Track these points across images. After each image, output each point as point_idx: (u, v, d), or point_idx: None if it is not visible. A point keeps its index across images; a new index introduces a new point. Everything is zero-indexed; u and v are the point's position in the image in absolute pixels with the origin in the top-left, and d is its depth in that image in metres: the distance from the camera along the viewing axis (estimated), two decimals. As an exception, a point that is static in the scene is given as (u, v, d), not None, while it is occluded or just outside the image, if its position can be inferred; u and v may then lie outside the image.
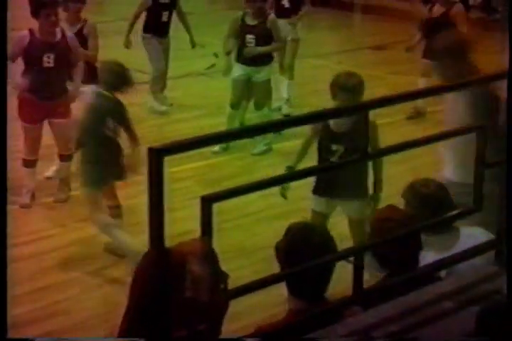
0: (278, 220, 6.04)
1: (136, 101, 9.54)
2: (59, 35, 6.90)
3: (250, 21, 8.27)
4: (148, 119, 9.11)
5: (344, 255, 3.08)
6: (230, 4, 15.91)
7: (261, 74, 8.33)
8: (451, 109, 4.94)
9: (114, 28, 12.99)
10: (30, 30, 6.81)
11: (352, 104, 2.49)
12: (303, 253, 3.05)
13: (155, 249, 2.33)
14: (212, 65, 10.78)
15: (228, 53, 8.46)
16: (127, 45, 9.60)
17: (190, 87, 10.56)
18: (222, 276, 2.46)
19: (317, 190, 5.42)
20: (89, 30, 7.69)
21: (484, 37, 13.51)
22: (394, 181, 5.56)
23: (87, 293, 5.62)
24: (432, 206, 3.87)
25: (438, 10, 9.32)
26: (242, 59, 8.31)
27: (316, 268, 3.04)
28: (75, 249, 6.24)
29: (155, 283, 2.35)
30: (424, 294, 3.15)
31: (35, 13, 6.77)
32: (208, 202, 2.51)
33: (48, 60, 6.80)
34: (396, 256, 3.45)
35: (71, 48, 6.96)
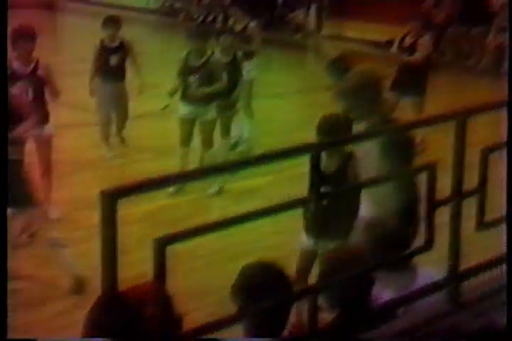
0: (232, 262, 6.01)
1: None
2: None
3: (194, 61, 8.37)
4: (104, 161, 9.09)
5: (299, 294, 3.09)
6: (186, 44, 16.04)
7: (206, 113, 8.40)
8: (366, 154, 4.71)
9: (70, 69, 13.05)
10: None
11: (300, 144, 2.53)
12: (258, 293, 3.05)
13: (107, 293, 2.31)
14: (167, 106, 10.79)
15: (171, 94, 8.63)
16: (91, 93, 9.50)
17: (146, 127, 10.56)
18: (177, 319, 2.45)
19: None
20: (44, 71, 7.60)
21: (433, 78, 13.78)
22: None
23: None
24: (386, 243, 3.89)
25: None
26: (187, 98, 8.41)
27: (271, 308, 3.03)
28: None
29: (107, 330, 2.33)
30: (380, 332, 3.16)
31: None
32: (160, 245, 2.50)
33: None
34: (346, 295, 3.46)
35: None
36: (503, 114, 3.56)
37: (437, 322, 3.27)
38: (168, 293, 2.47)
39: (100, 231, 2.36)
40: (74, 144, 9.51)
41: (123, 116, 9.63)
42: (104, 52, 9.39)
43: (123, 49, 9.54)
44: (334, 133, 5.05)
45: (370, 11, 15.44)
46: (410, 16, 10.89)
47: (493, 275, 3.65)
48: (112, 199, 2.28)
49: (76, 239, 6.52)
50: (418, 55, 9.66)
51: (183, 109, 8.49)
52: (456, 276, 3.47)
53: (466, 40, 14.58)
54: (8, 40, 6.62)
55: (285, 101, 11.74)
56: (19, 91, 7.07)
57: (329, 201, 4.55)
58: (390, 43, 15.37)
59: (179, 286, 5.46)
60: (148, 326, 2.32)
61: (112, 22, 9.50)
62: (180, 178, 2.72)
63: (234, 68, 9.00)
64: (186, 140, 8.48)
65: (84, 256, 6.06)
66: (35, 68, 7.55)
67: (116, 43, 9.41)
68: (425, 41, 9.79)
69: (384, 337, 3.12)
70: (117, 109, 9.56)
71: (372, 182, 3.19)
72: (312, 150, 2.75)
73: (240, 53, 9.29)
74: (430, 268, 4.03)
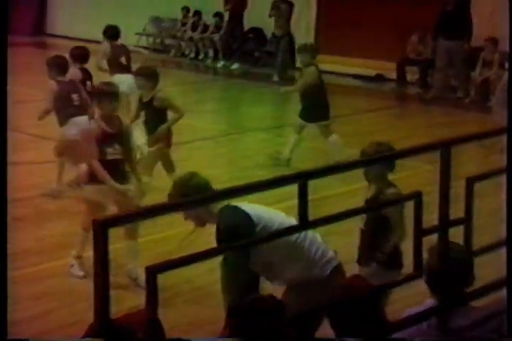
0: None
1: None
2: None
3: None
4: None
5: (292, 322, 3.11)
6: (176, 80, 16.19)
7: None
8: None
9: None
10: None
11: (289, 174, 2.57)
12: (254, 325, 3.08)
13: (99, 320, 2.34)
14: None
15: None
16: None
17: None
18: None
19: None
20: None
21: (422, 111, 13.93)
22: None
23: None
24: None
25: None
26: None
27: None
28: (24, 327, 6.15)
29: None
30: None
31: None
32: (152, 273, 2.54)
33: None
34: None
35: None
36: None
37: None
38: (159, 320, 2.50)
39: (93, 259, 2.39)
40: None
41: None
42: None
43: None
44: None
45: (358, 47, 15.58)
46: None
47: (484, 302, 3.68)
48: (103, 227, 2.32)
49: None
50: None
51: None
52: (447, 303, 3.50)
53: (453, 74, 14.72)
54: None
55: (273, 135, 11.81)
56: None
57: None
58: (379, 77, 15.66)
59: (178, 317, 5.54)
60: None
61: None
62: (169, 209, 2.75)
63: None
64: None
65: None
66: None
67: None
68: None
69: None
70: None
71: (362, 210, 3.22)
72: (300, 179, 2.80)
73: None
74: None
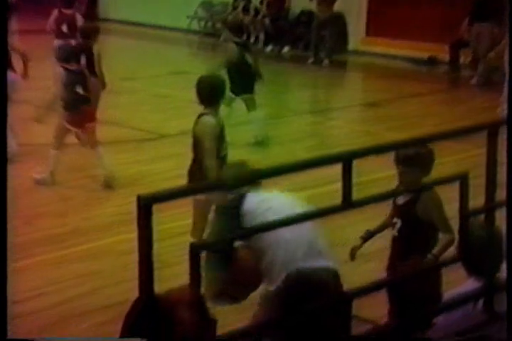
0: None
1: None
2: None
3: None
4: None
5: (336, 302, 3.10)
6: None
7: None
8: None
9: (112, 88, 13.23)
10: None
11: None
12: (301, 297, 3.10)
13: (144, 295, 2.36)
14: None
15: None
16: None
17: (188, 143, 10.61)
18: (211, 322, 2.49)
19: None
20: None
21: (474, 95, 13.76)
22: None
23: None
24: None
25: None
26: None
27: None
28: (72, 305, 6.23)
29: (144, 331, 2.38)
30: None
31: None
32: (195, 251, 2.56)
33: None
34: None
35: None
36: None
37: (471, 332, 3.26)
38: (203, 297, 2.51)
39: (138, 235, 2.41)
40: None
41: None
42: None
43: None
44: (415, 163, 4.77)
45: (411, 29, 15.42)
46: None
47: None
48: (147, 203, 2.34)
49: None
50: None
51: None
52: (491, 286, 3.47)
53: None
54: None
55: (325, 118, 11.77)
56: None
57: None
58: (431, 60, 15.49)
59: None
60: (182, 328, 2.37)
61: None
62: (215, 187, 2.76)
63: None
64: None
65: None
66: None
67: None
68: None
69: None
70: None
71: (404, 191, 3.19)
72: (344, 158, 2.79)
73: None
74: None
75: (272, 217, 3.77)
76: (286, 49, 17.09)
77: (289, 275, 4.00)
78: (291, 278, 3.99)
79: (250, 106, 10.24)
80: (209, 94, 6.36)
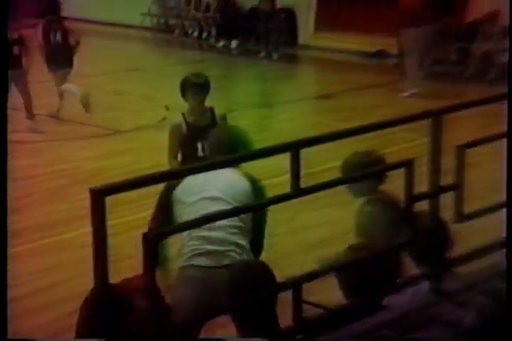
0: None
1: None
2: None
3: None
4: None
5: (283, 287, 3.13)
6: (180, 60, 16.16)
7: None
8: None
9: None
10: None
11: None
12: (245, 287, 3.13)
13: (99, 285, 2.37)
14: (164, 118, 10.86)
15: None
16: None
17: (144, 138, 10.62)
18: (165, 310, 2.50)
19: None
20: None
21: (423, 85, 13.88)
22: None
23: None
24: None
25: None
26: None
27: (258, 301, 3.10)
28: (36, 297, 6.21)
29: (100, 320, 2.39)
30: (366, 323, 3.21)
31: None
32: (150, 240, 2.56)
33: None
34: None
35: None
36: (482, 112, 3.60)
37: (421, 312, 3.31)
38: (157, 285, 2.53)
39: (92, 228, 2.42)
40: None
41: None
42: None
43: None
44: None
45: (360, 23, 15.51)
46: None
47: (474, 266, 3.71)
48: (99, 195, 2.34)
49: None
50: None
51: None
52: (439, 267, 3.52)
53: (453, 49, 14.70)
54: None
55: (276, 111, 11.81)
56: None
57: None
58: (380, 53, 15.61)
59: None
60: (137, 315, 2.38)
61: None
62: (166, 177, 2.77)
63: None
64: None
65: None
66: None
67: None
68: None
69: (367, 328, 3.17)
70: None
71: (351, 179, 3.23)
72: (291, 147, 2.81)
73: None
74: None
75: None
76: (234, 44, 17.05)
77: None
78: None
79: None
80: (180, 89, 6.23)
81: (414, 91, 12.82)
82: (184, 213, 4.42)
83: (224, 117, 6.31)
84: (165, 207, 4.54)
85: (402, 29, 12.99)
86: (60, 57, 10.97)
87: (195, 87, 6.09)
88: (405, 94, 12.90)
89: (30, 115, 10.68)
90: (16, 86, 10.33)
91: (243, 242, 4.49)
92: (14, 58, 10.24)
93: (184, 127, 6.11)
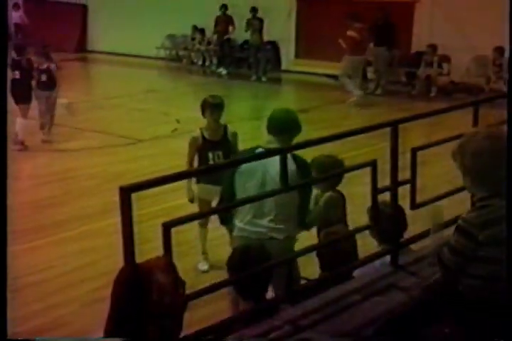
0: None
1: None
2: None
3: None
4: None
5: (276, 265, 3.12)
6: (188, 83, 16.12)
7: None
8: None
9: (99, 104, 13.14)
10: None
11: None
12: (244, 266, 3.10)
13: (128, 264, 2.34)
14: (175, 129, 10.83)
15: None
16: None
17: (160, 146, 10.56)
18: (181, 283, 2.47)
19: None
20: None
21: (380, 101, 13.87)
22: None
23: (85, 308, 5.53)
24: None
25: None
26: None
27: (255, 277, 3.07)
28: (74, 274, 6.15)
29: (129, 291, 2.35)
30: (339, 290, 3.20)
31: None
32: (167, 227, 2.54)
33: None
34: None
35: None
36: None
37: (381, 280, 3.30)
38: (174, 264, 2.49)
39: (121, 217, 2.39)
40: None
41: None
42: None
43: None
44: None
45: (331, 53, 15.51)
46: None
47: (422, 244, 3.70)
48: (127, 192, 2.32)
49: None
50: None
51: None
52: (396, 245, 3.51)
53: (403, 72, 14.79)
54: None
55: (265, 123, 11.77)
56: None
57: None
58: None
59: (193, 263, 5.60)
60: (158, 288, 2.35)
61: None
62: (179, 177, 2.75)
63: None
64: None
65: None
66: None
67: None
68: None
69: (340, 294, 3.15)
70: None
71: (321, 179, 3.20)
72: (282, 152, 2.80)
73: None
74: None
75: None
76: (224, 71, 16.94)
77: None
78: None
79: None
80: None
81: (352, 99, 13.22)
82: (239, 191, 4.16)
83: (235, 134, 6.13)
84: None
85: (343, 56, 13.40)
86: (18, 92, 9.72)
87: (212, 107, 5.90)
88: (347, 102, 13.37)
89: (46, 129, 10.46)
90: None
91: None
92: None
93: (200, 140, 6.01)
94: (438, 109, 3.85)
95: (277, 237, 4.09)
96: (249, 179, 4.10)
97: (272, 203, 4.05)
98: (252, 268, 3.08)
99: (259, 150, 4.11)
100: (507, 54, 11.99)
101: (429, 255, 3.06)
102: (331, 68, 15.65)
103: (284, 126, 4.30)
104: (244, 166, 4.03)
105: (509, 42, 3.40)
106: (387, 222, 3.46)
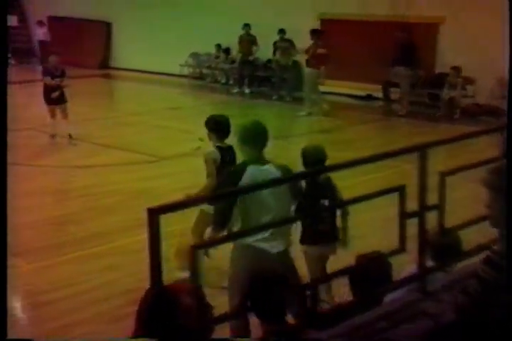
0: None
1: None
2: None
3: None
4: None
5: (300, 288, 3.08)
6: (210, 101, 16.17)
7: None
8: None
9: (123, 121, 13.21)
10: None
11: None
12: (264, 288, 3.07)
13: (154, 286, 2.32)
14: (198, 147, 10.81)
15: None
16: None
17: (182, 164, 10.57)
18: (208, 308, 2.45)
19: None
20: None
21: (403, 123, 13.80)
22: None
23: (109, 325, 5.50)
24: None
25: None
26: None
27: (274, 300, 3.04)
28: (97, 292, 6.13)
29: (155, 313, 2.33)
30: (366, 316, 3.14)
31: None
32: (195, 250, 2.51)
33: None
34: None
35: None
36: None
37: (410, 307, 3.24)
38: (201, 288, 2.47)
39: (149, 238, 2.37)
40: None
41: None
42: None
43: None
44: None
45: (354, 73, 15.51)
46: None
47: (452, 270, 3.64)
48: (155, 213, 2.30)
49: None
50: None
51: None
52: (424, 271, 3.45)
53: (426, 94, 14.72)
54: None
55: (289, 142, 11.75)
56: None
57: None
58: (369, 96, 15.58)
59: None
60: (185, 312, 2.33)
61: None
62: (202, 200, 2.73)
63: None
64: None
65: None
66: None
67: None
68: None
69: (367, 321, 3.09)
70: None
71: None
72: (311, 174, 2.78)
73: None
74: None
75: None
76: (247, 90, 17.02)
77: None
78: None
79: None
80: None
81: (309, 111, 14.07)
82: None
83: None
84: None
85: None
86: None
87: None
88: (302, 113, 14.14)
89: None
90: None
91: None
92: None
93: (218, 160, 6.07)
94: (466, 133, 3.80)
95: (278, 250, 4.32)
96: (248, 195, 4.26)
97: (271, 217, 4.25)
98: (272, 293, 3.04)
99: (251, 166, 4.42)
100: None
101: (457, 282, 3.01)
102: (354, 88, 15.68)
103: (261, 137, 4.74)
104: (244, 182, 4.28)
105: (509, 44, 3.33)
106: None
